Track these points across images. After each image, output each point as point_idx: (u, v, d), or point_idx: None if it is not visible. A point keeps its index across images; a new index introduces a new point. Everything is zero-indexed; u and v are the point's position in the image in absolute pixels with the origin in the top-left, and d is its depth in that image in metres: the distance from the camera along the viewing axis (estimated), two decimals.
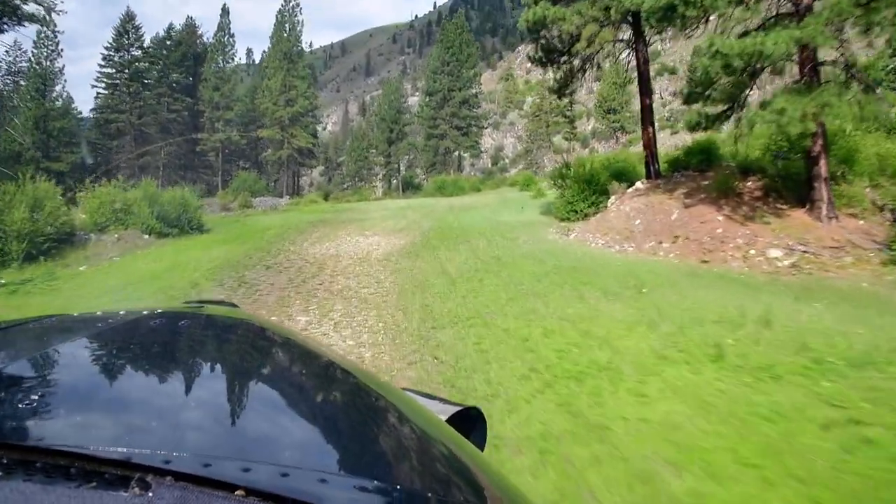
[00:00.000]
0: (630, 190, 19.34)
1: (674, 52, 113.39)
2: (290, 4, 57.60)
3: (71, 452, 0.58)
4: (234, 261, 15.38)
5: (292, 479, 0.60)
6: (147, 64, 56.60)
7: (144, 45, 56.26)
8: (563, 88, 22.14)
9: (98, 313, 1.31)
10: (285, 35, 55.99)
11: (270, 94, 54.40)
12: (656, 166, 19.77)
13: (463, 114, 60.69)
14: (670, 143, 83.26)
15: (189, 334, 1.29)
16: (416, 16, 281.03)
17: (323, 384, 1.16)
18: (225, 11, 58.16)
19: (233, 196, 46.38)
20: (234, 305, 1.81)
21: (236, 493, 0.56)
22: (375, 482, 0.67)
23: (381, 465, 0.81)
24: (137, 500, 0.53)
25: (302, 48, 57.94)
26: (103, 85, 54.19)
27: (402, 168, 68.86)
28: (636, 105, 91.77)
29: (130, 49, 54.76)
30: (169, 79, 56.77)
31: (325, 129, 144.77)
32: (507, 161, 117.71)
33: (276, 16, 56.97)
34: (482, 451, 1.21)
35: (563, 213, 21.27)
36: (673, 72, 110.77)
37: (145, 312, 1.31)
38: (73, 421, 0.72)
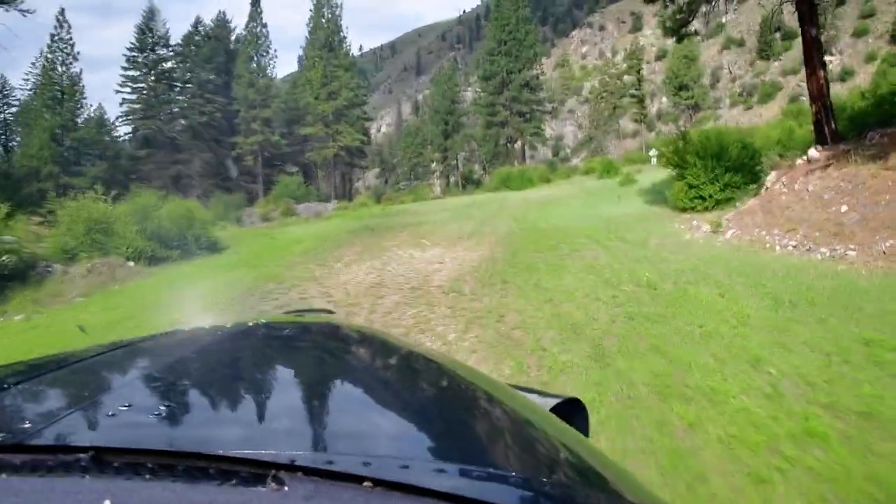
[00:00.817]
0: (800, 162, 13.27)
1: (739, 22, 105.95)
2: None
3: (208, 455, 0.62)
4: (225, 301, 10.08)
5: (412, 471, 0.63)
6: (175, 63, 51.17)
7: (171, 44, 51.04)
8: (683, 24, 16.06)
9: (206, 326, 1.39)
10: (323, 21, 50.29)
11: (311, 88, 48.91)
12: (833, 126, 13.61)
13: (524, 98, 54.10)
14: (744, 119, 76.43)
15: (296, 343, 1.38)
16: (464, 11, 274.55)
17: (431, 382, 1.19)
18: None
19: (273, 204, 41.71)
20: (331, 312, 2.00)
21: (364, 484, 0.59)
22: (491, 469, 0.70)
23: (495, 454, 0.85)
24: (275, 495, 0.57)
25: (343, 35, 51.89)
26: (128, 90, 49.09)
27: (459, 163, 63.36)
28: (707, 79, 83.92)
29: (155, 48, 49.48)
30: (199, 78, 50.97)
31: (379, 130, 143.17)
32: (568, 150, 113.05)
33: (314, 0, 51.41)
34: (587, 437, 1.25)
35: (683, 202, 15.48)
36: (741, 43, 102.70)
37: (251, 324, 1.39)
38: (205, 426, 0.80)
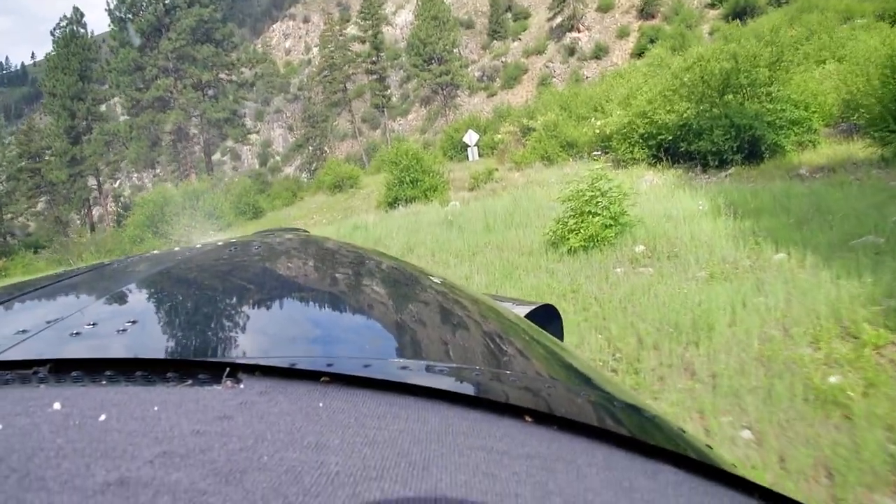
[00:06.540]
0: None
1: (465, 3, 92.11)
2: None
3: (166, 360, 0.65)
4: None
5: (374, 369, 0.64)
6: None
7: None
8: None
9: (178, 248, 1.40)
10: None
11: None
12: None
13: (204, 54, 29.14)
14: (489, 107, 59.96)
15: (266, 256, 1.35)
16: None
17: (404, 289, 1.20)
18: None
19: None
20: (305, 231, 1.89)
21: (321, 379, 0.60)
22: (456, 365, 0.71)
23: (466, 353, 0.85)
24: (229, 392, 0.58)
25: None
26: None
27: (105, 184, 36.47)
28: (472, 51, 63.23)
29: None
30: None
31: None
32: (278, 158, 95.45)
33: None
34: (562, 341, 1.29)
35: None
36: (469, 25, 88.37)
37: (221, 243, 1.41)
38: (170, 339, 0.79)
